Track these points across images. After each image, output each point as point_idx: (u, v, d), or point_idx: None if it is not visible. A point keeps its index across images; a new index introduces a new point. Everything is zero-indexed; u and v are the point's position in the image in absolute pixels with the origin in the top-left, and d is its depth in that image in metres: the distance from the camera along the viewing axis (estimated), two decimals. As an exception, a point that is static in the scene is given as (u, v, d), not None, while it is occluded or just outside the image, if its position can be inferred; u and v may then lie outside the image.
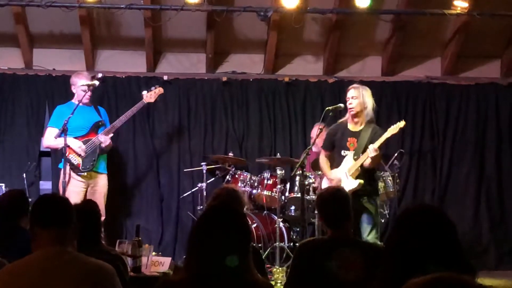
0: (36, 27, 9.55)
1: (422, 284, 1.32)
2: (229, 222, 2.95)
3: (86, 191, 8.13)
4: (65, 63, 9.73)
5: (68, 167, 7.91)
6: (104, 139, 8.18)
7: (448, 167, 9.89)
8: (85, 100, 8.14)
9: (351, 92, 7.03)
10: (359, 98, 6.97)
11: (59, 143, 7.84)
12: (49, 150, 9.30)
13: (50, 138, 8.12)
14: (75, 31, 9.44)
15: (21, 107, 9.50)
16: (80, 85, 8.16)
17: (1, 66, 9.65)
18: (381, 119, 9.22)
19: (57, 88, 9.53)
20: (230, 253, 2.86)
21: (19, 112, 9.49)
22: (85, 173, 8.06)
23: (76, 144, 8.00)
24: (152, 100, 8.56)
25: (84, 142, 8.08)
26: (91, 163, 8.08)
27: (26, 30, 9.45)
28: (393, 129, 6.83)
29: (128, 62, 9.85)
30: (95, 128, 8.27)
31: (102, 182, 8.29)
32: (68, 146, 7.90)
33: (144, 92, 8.57)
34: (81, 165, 8.03)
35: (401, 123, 6.88)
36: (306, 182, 8.27)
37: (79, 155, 8.01)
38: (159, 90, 8.62)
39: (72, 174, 8.00)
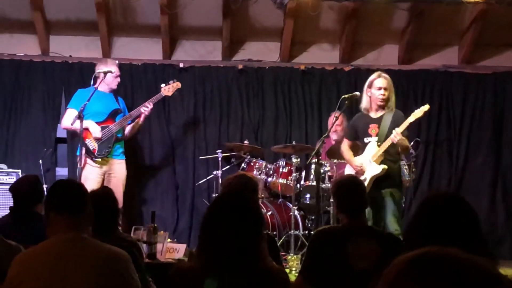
0: (52, 14, 9.57)
1: (410, 258, 1.31)
2: (239, 209, 2.95)
3: (104, 179, 8.17)
4: (81, 50, 9.76)
5: (84, 152, 7.95)
6: (150, 106, 8.41)
7: (464, 156, 9.85)
8: (113, 86, 8.33)
9: (383, 82, 6.91)
10: (390, 89, 6.93)
11: (77, 126, 7.87)
12: (65, 137, 9.38)
13: (69, 120, 8.11)
14: (92, 18, 9.45)
15: (37, 94, 9.54)
16: (117, 74, 8.33)
17: (18, 53, 9.69)
18: (397, 108, 9.18)
19: (74, 75, 9.56)
20: (241, 240, 2.86)
21: (35, 99, 9.53)
22: (100, 159, 8.09)
23: (97, 129, 8.07)
24: (170, 93, 8.63)
25: (102, 129, 8.13)
26: (106, 150, 8.12)
27: (43, 17, 9.48)
28: (418, 113, 6.76)
29: (144, 50, 9.87)
30: (113, 115, 8.32)
31: (119, 168, 8.33)
32: (86, 129, 7.94)
33: (163, 85, 8.62)
34: (96, 150, 8.07)
35: (426, 107, 6.80)
36: (322, 170, 8.26)
37: (96, 140, 8.05)
38: (176, 85, 8.67)
39: (88, 160, 8.04)
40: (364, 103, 7.02)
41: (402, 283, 1.26)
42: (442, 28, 9.82)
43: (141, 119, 8.48)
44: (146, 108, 8.38)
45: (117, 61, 9.28)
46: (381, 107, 6.94)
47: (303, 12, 9.23)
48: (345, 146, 7.32)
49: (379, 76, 6.98)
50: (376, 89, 6.92)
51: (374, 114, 6.98)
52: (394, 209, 6.69)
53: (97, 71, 8.27)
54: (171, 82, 8.67)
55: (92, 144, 8.07)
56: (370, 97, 6.98)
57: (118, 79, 8.43)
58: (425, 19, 9.55)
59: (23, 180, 5.56)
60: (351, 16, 9.49)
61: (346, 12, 9.53)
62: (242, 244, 2.86)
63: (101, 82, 8.09)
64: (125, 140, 8.56)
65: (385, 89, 6.89)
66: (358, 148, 7.19)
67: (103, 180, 8.15)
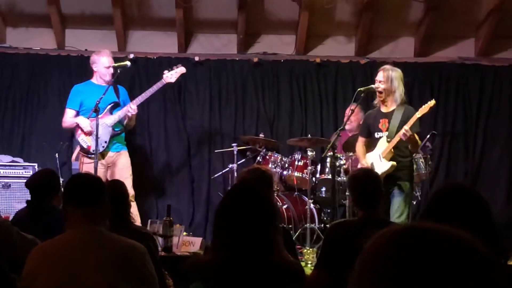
0: (68, 7, 9.60)
1: (384, 233, 1.30)
2: (250, 202, 2.95)
3: (107, 173, 7.92)
4: (97, 44, 9.75)
5: (78, 150, 7.84)
6: (134, 108, 7.92)
7: (481, 149, 9.80)
8: (108, 78, 7.95)
9: (380, 75, 6.92)
10: (387, 83, 6.88)
11: (72, 122, 7.83)
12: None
13: (66, 120, 8.01)
14: (107, 12, 9.47)
15: (53, 88, 9.58)
16: (109, 65, 8.01)
17: (33, 47, 9.73)
18: (413, 101, 9.14)
19: (89, 69, 9.57)
20: (254, 233, 2.86)
21: (51, 93, 9.57)
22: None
23: (86, 123, 7.78)
24: (173, 80, 8.13)
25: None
26: (102, 145, 7.77)
27: (59, 11, 9.51)
28: (424, 109, 6.73)
29: (159, 43, 9.88)
30: (110, 109, 7.96)
31: (119, 160, 8.02)
32: (78, 126, 7.84)
33: (165, 72, 8.17)
34: (91, 147, 7.72)
35: (431, 102, 6.78)
36: (337, 164, 8.24)
37: (88, 135, 7.75)
38: (180, 70, 8.19)
39: (84, 158, 7.84)
40: (376, 98, 7.05)
41: (376, 258, 1.26)
42: (458, 20, 9.76)
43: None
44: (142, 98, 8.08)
45: (131, 55, 9.29)
46: (383, 100, 6.93)
47: (319, 5, 9.20)
48: (359, 143, 7.30)
49: (380, 70, 7.00)
50: (375, 82, 6.95)
51: (384, 109, 6.97)
52: (399, 199, 6.66)
53: (102, 63, 8.04)
54: (174, 67, 8.20)
55: (86, 141, 7.80)
56: None
57: (111, 71, 7.97)
58: (441, 11, 9.49)
59: (37, 174, 5.60)
60: (367, 8, 9.45)
61: (362, 5, 9.50)
62: (256, 237, 2.86)
63: (107, 75, 7.98)
64: (125, 132, 8.23)
65: (381, 82, 6.88)
66: (372, 145, 7.17)
67: (106, 174, 7.86)
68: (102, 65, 8.03)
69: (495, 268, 1.19)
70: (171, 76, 8.11)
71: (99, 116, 7.64)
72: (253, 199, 2.96)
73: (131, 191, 7.51)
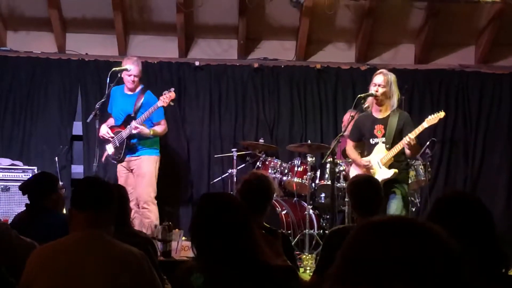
0: (69, 11, 9.60)
1: (369, 222, 1.51)
2: (219, 210, 3.01)
3: (130, 174, 8.00)
4: (97, 48, 9.79)
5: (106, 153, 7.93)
6: (133, 128, 7.68)
7: (480, 156, 9.80)
8: (128, 85, 7.95)
9: (379, 79, 6.81)
10: (386, 87, 6.83)
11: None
12: (81, 134, 9.43)
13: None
14: (108, 16, 9.48)
15: (54, 91, 9.58)
16: (132, 74, 7.89)
17: (34, 50, 9.73)
18: (413, 108, 9.19)
19: (90, 73, 9.60)
20: (230, 239, 2.88)
21: (51, 96, 9.57)
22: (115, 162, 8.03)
23: (102, 130, 7.90)
24: (164, 105, 7.74)
25: (115, 134, 7.90)
26: (117, 156, 7.89)
27: (59, 15, 9.51)
28: (432, 120, 6.65)
29: (160, 48, 9.88)
30: (126, 121, 7.88)
31: (138, 165, 7.92)
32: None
33: (164, 93, 7.77)
34: (113, 153, 7.93)
35: (441, 114, 6.69)
36: (337, 170, 8.22)
37: (106, 142, 7.89)
38: (170, 95, 7.69)
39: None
40: (369, 101, 6.96)
41: (359, 240, 1.52)
42: (458, 28, 9.77)
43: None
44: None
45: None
46: (380, 104, 6.87)
47: (319, 11, 9.21)
48: (349, 146, 7.23)
49: (378, 73, 6.91)
50: (372, 86, 6.88)
51: (378, 114, 6.89)
52: (396, 203, 6.62)
53: (130, 72, 7.90)
54: (166, 92, 7.76)
55: (109, 148, 7.95)
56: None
57: (131, 78, 7.89)
58: (442, 18, 9.51)
59: (34, 177, 5.59)
60: (367, 15, 9.46)
61: (362, 11, 9.51)
62: (236, 241, 2.89)
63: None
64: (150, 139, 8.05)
65: (380, 85, 6.80)
66: (363, 148, 7.12)
67: (127, 178, 7.95)
68: (125, 71, 7.88)
69: (462, 263, 1.29)
70: (163, 100, 7.73)
71: (118, 126, 7.95)
72: (220, 207, 3.01)
73: (142, 198, 7.69)
